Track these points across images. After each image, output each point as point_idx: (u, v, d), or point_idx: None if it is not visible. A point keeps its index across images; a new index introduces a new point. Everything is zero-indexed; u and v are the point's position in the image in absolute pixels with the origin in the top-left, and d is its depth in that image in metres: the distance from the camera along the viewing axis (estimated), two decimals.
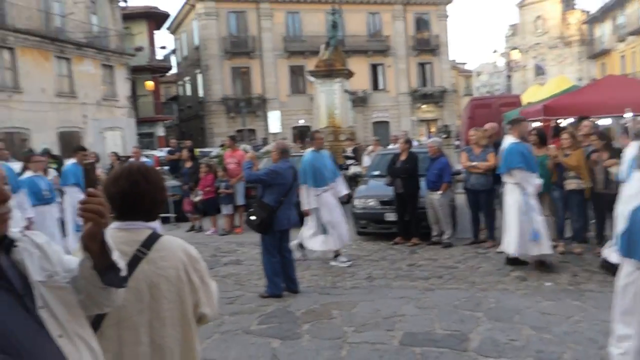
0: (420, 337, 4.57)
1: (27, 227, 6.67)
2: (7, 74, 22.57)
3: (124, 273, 1.52)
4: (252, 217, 5.95)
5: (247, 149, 12.73)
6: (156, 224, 2.07)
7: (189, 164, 10.83)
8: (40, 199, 7.11)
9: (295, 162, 7.10)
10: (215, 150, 19.77)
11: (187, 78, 40.91)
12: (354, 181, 15.05)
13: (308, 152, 7.55)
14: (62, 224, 8.09)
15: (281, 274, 5.99)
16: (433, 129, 39.06)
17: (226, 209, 10.22)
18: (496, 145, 7.69)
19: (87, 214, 1.41)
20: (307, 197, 7.16)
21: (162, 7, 54.50)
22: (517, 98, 14.58)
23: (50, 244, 1.56)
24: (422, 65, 40.36)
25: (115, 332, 1.88)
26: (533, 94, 13.39)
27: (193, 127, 39.34)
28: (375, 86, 38.97)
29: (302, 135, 29.93)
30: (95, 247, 1.44)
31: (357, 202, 9.18)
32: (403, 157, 8.67)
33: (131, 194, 1.96)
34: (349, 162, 15.00)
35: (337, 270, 7.15)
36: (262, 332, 4.90)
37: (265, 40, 36.02)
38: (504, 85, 42.57)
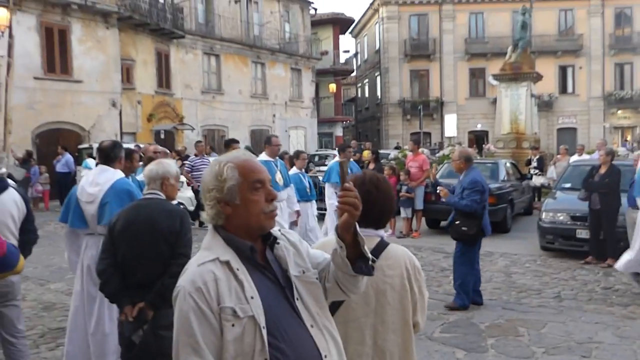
0: None
1: (295, 222, 7.32)
2: (213, 78, 25.47)
3: (372, 263, 1.63)
4: (464, 227, 5.73)
5: (424, 152, 12.79)
6: (383, 232, 2.25)
7: (372, 166, 11.18)
8: (303, 195, 7.58)
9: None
10: (392, 153, 20.04)
11: (366, 80, 42.06)
12: (537, 192, 14.26)
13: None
14: None
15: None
16: (629, 138, 34.85)
17: (405, 212, 10.38)
18: None
19: (344, 206, 1.55)
20: None
21: (348, 13, 56.35)
22: None
23: (302, 242, 1.78)
24: (619, 65, 36.22)
25: (342, 329, 2.03)
26: None
27: (369, 128, 40.33)
28: (563, 89, 36.02)
29: (479, 140, 28.97)
30: (348, 237, 1.57)
31: (544, 216, 8.70)
32: (603, 171, 7.98)
33: (363, 202, 2.13)
34: (533, 171, 14.21)
35: (521, 285, 6.88)
36: (446, 341, 4.94)
37: (446, 43, 35.48)
38: None
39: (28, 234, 3.80)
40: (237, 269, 1.56)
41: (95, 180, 3.98)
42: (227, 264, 1.56)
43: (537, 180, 13.93)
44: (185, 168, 11.24)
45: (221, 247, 1.60)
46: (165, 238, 3.05)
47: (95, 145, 16.59)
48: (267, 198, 1.64)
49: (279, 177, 6.82)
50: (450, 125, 34.36)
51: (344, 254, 1.59)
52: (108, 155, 4.04)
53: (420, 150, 11.69)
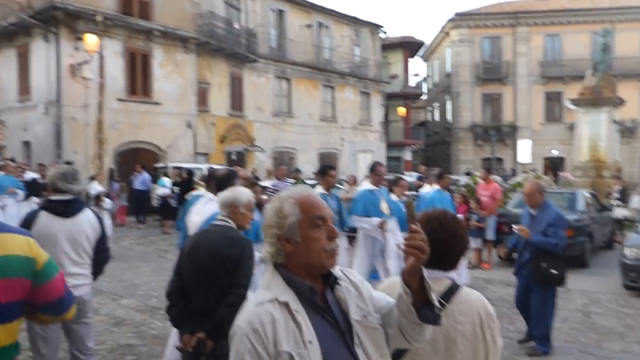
0: None
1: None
2: (283, 101, 25.99)
3: (438, 311, 1.53)
4: (553, 270, 5.19)
5: (496, 180, 12.35)
6: (454, 274, 2.12)
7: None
8: (403, 226, 7.22)
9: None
10: (462, 179, 19.55)
11: (436, 104, 41.52)
12: (619, 225, 13.37)
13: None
14: None
15: None
16: None
17: (475, 243, 10.02)
18: None
19: (411, 249, 1.48)
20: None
21: (418, 36, 56.16)
22: None
23: (364, 283, 1.70)
24: None
25: None
26: None
27: (438, 152, 39.64)
28: None
29: (554, 167, 27.72)
30: (414, 282, 1.50)
31: (628, 252, 8.12)
32: None
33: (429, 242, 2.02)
34: (615, 202, 13.38)
35: (601, 327, 6.42)
36: None
37: (520, 66, 34.46)
38: None
39: (101, 253, 3.94)
40: (296, 311, 1.51)
41: (200, 210, 4.12)
42: (285, 305, 1.52)
43: (618, 212, 13.09)
44: (268, 192, 11.02)
45: (280, 286, 1.56)
46: (224, 265, 3.07)
47: (171, 165, 17.43)
48: (328, 236, 1.60)
49: (384, 207, 6.55)
50: (524, 151, 33.25)
51: (409, 300, 1.52)
52: (222, 184, 4.10)
53: (492, 177, 11.30)
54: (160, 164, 18.36)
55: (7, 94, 18.84)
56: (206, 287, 3.07)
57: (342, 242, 6.68)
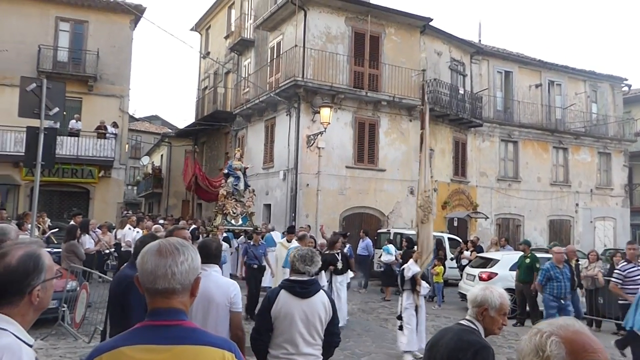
0: None
1: None
2: (509, 165, 24.82)
3: None
4: None
5: None
6: None
7: None
8: None
9: None
10: None
11: None
12: None
13: None
14: None
15: None
16: None
17: None
18: None
19: None
20: None
21: None
22: None
23: None
24: None
25: None
26: None
27: None
28: None
29: None
30: None
31: None
32: None
33: None
34: None
35: None
36: None
37: None
38: None
39: (332, 336, 4.03)
40: None
41: None
42: None
43: None
44: (614, 279, 9.28)
45: None
46: None
47: (394, 231, 17.74)
48: None
49: None
50: None
51: None
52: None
53: None
54: (382, 230, 18.84)
55: (256, 162, 21.55)
56: None
57: None
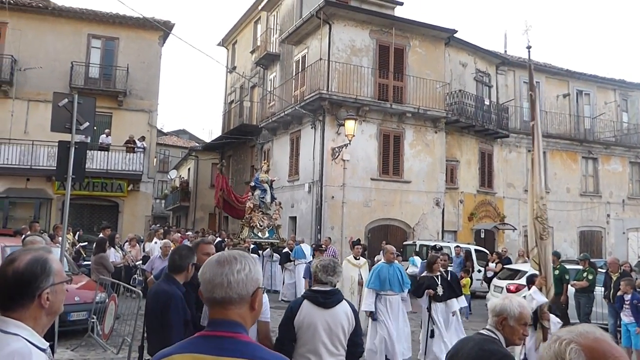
0: None
1: None
2: None
3: None
4: None
5: None
6: None
7: None
8: None
9: None
10: None
11: None
12: None
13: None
14: None
15: None
16: None
17: None
18: None
19: None
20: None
21: None
22: None
23: None
24: None
25: None
26: None
27: None
28: None
29: None
30: None
31: None
32: None
33: None
34: None
35: None
36: None
37: None
38: None
39: (355, 347, 4.03)
40: None
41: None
42: None
43: None
44: None
45: None
46: None
47: (420, 243, 17.61)
48: None
49: None
50: None
51: None
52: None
53: None
54: (408, 242, 18.72)
55: (281, 175, 21.69)
56: None
57: None
